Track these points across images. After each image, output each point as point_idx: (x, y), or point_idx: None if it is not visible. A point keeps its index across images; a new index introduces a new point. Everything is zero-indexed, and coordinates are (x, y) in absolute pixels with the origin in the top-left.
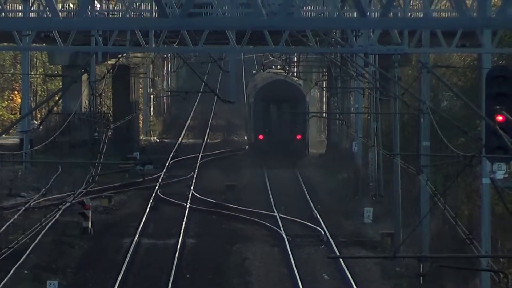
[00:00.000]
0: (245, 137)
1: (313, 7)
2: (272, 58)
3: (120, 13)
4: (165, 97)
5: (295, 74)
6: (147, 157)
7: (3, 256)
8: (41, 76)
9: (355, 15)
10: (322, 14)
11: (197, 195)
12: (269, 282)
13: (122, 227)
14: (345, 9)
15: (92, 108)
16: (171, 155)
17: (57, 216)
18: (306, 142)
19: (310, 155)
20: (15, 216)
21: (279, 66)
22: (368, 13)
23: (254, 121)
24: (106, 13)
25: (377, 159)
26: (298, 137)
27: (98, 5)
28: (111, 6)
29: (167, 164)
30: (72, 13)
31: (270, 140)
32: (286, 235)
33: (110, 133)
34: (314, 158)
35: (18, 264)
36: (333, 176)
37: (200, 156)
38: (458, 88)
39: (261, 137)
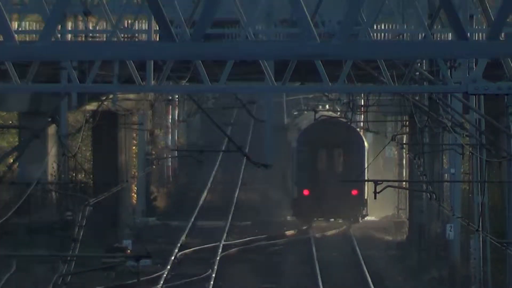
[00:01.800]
0: (285, 193)
1: (388, 26)
2: (326, 98)
3: (105, 36)
4: (170, 159)
5: (362, 123)
6: (144, 247)
7: None
8: None
9: (450, 37)
10: (401, 36)
11: None
12: None
13: None
14: (435, 28)
15: (63, 176)
16: (179, 244)
17: None
18: (364, 200)
19: (385, 243)
20: None
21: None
22: (468, 34)
23: (297, 172)
24: (83, 35)
25: (483, 250)
26: (354, 192)
27: (71, 24)
28: (90, 25)
29: (173, 258)
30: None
31: (318, 195)
32: None
33: (89, 212)
34: (391, 248)
35: None
36: (419, 276)
37: (221, 245)
38: None
39: (306, 192)
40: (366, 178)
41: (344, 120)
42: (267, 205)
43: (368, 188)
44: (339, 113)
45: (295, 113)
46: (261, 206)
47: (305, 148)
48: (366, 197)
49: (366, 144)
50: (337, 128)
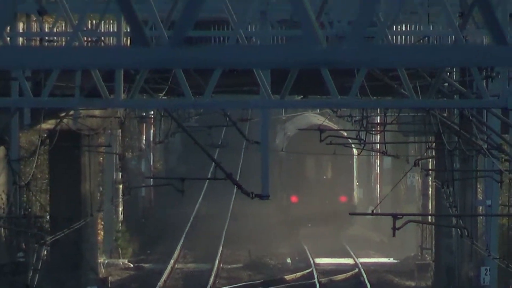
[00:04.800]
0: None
1: (410, 27)
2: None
3: (64, 39)
4: (144, 188)
5: (378, 146)
6: None
7: None
8: None
9: (485, 41)
10: (426, 39)
11: None
12: None
13: None
14: (468, 30)
15: (13, 209)
16: None
17: None
18: (353, 205)
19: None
20: None
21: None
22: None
23: (286, 179)
24: (38, 38)
25: None
26: (343, 199)
27: (23, 25)
28: (46, 26)
29: None
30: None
31: (306, 202)
32: None
33: (45, 252)
34: None
35: None
36: None
37: None
38: None
39: (294, 199)
40: (355, 185)
41: (332, 126)
42: (263, 243)
43: (357, 195)
44: (346, 133)
45: (283, 117)
46: (256, 245)
47: (293, 154)
48: (355, 204)
49: (354, 151)
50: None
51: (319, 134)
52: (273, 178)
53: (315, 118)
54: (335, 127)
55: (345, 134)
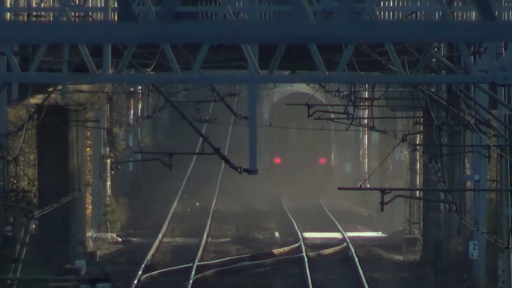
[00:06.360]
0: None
1: (398, 2)
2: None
3: (52, 14)
4: (131, 163)
5: (366, 121)
6: (100, 268)
7: None
8: None
9: (473, 17)
10: (414, 14)
11: None
12: None
13: None
14: (455, 6)
15: (1, 183)
16: (142, 266)
17: None
18: (330, 166)
19: (395, 264)
20: None
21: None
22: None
23: (269, 142)
24: (25, 13)
25: None
26: (322, 161)
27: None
28: (34, 1)
29: (136, 282)
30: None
31: (288, 164)
32: None
33: (34, 226)
34: (402, 269)
35: None
36: None
37: (194, 267)
38: None
39: (277, 160)
40: (332, 149)
41: (315, 96)
42: (251, 217)
43: (335, 157)
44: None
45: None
46: (243, 219)
47: (276, 120)
48: (333, 165)
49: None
50: (305, 100)
51: (300, 100)
52: (258, 141)
53: (299, 85)
54: (317, 96)
55: (324, 101)
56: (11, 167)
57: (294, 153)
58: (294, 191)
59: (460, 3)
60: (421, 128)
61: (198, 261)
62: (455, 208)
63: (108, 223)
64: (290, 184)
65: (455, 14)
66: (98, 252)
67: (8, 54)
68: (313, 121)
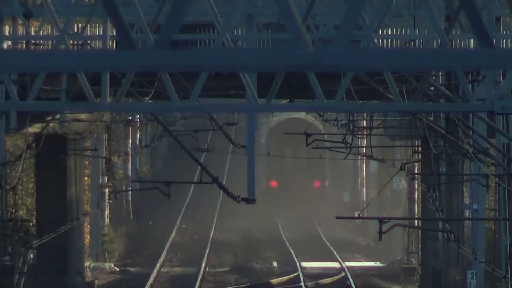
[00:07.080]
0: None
1: (396, 31)
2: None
3: (50, 43)
4: (130, 192)
5: (364, 150)
6: None
7: None
8: None
9: (472, 44)
10: (412, 42)
11: None
12: None
13: None
14: (454, 34)
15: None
16: None
17: None
18: (325, 189)
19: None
20: None
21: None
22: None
23: (266, 166)
24: (24, 42)
25: None
26: (316, 184)
27: (9, 29)
28: (32, 29)
29: None
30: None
31: (284, 186)
32: None
33: (32, 256)
34: None
35: None
36: None
37: None
38: None
39: (273, 184)
40: (327, 172)
41: (309, 119)
42: (250, 247)
43: (329, 180)
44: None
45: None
46: (242, 248)
47: (274, 144)
48: (327, 187)
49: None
50: (302, 126)
51: (298, 125)
52: (256, 165)
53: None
54: (315, 123)
55: (322, 128)
56: (10, 196)
57: (290, 175)
58: (291, 215)
59: (458, 31)
60: (419, 157)
61: None
62: (453, 238)
63: (106, 252)
64: (287, 207)
65: (453, 42)
66: (96, 282)
67: (7, 83)
68: (309, 146)
